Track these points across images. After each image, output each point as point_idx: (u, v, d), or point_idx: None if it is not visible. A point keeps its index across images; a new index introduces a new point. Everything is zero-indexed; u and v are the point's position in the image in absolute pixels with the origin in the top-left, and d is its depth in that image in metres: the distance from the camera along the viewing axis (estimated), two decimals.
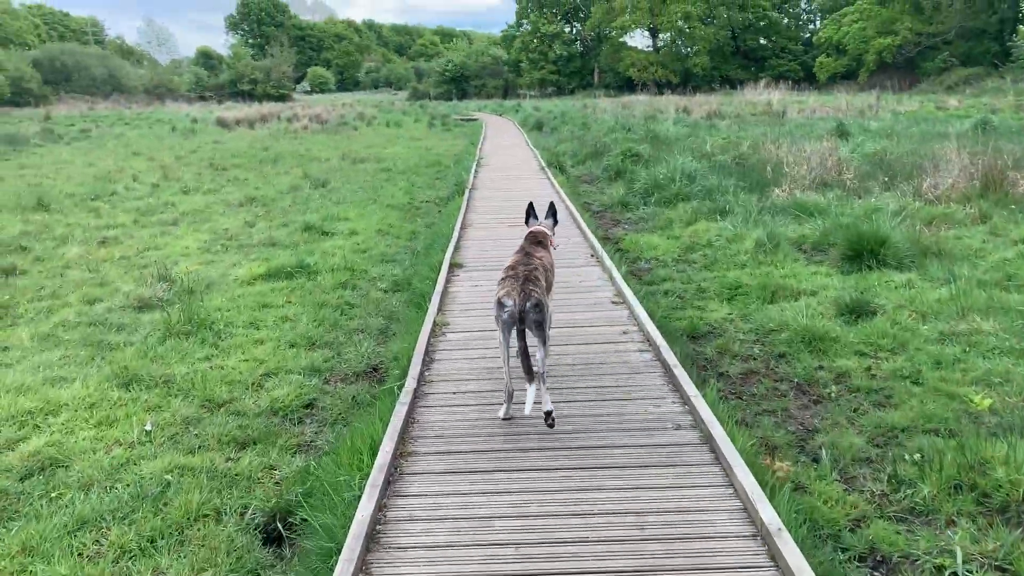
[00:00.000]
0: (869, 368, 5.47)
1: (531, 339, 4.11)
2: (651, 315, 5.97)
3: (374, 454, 3.72)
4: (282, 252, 9.24)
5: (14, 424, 4.64)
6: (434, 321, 5.83)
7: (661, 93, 53.54)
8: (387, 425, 3.98)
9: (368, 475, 3.48)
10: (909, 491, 3.86)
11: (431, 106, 55.21)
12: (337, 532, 3.17)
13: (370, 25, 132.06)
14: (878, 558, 3.39)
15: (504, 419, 4.21)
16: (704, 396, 4.25)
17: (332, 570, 2.87)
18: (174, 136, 30.51)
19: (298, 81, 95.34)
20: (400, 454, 3.78)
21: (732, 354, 5.90)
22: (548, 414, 3.99)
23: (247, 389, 5.23)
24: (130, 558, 3.32)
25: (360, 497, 3.28)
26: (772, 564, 2.87)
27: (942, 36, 53.14)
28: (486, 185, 14.25)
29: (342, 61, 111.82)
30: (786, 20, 72.43)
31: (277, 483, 4.02)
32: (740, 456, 3.54)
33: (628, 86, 68.27)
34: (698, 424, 3.99)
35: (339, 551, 2.94)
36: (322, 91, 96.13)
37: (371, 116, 39.80)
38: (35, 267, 8.82)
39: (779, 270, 7.91)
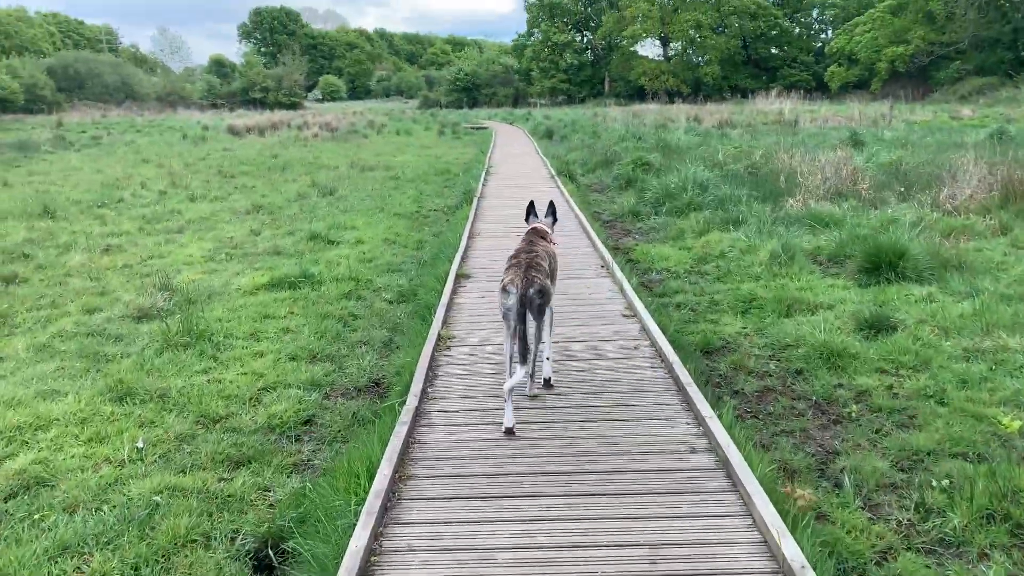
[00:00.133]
0: (891, 386, 5.24)
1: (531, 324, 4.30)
2: (663, 329, 5.76)
3: (371, 477, 3.53)
4: (286, 261, 9.09)
5: (2, 440, 4.49)
6: (438, 334, 5.64)
7: (672, 102, 53.30)
8: (386, 446, 3.79)
9: (365, 500, 3.29)
10: (938, 521, 3.64)
11: (442, 114, 55.24)
12: (329, 564, 2.99)
13: (382, 34, 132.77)
14: None
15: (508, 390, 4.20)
16: (720, 417, 4.04)
17: None
18: (184, 143, 30.57)
19: (310, 89, 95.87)
20: (399, 478, 3.58)
21: (747, 370, 5.68)
22: (547, 380, 4.71)
23: (244, 404, 5.06)
24: None
25: (355, 525, 3.09)
26: None
27: (955, 46, 52.73)
28: (495, 194, 14.09)
29: (354, 69, 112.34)
30: (798, 30, 72.15)
31: (271, 506, 3.84)
32: (759, 484, 3.33)
33: (639, 95, 68.14)
34: (714, 448, 3.78)
35: None
36: (333, 99, 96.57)
37: (381, 124, 39.81)
38: (36, 275, 8.71)
39: (794, 283, 7.69)
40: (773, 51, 71.61)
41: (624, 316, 6.21)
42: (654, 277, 8.45)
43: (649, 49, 77.29)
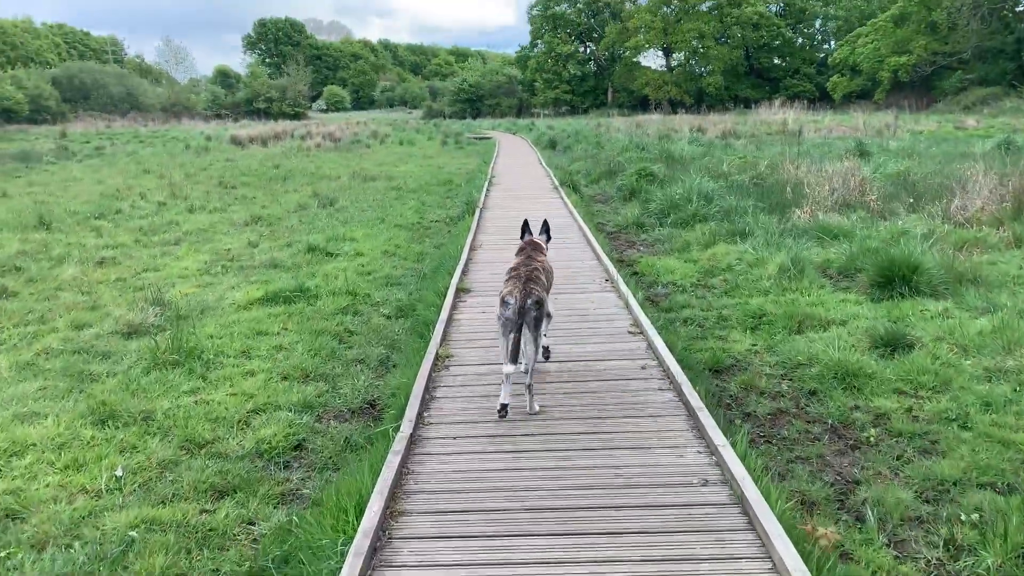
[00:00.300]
0: (910, 409, 4.99)
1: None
2: (671, 348, 5.52)
3: (361, 512, 3.30)
4: (283, 274, 8.88)
5: None
6: (436, 353, 5.41)
7: (675, 112, 53.23)
8: (377, 478, 3.56)
9: (353, 539, 3.05)
10: (970, 560, 3.39)
11: (445, 124, 55.21)
12: None
13: (386, 45, 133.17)
14: None
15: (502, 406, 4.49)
16: (734, 446, 3.80)
17: None
18: (187, 154, 30.48)
19: (314, 100, 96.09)
20: (390, 513, 3.34)
21: (759, 391, 5.43)
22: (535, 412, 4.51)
23: (232, 428, 4.82)
24: None
25: (341, 569, 2.85)
26: None
27: (957, 56, 52.58)
28: (497, 204, 13.89)
29: (358, 80, 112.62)
30: (800, 40, 72.12)
31: (255, 541, 3.60)
32: (778, 522, 3.09)
33: (641, 105, 68.09)
34: (728, 480, 3.53)
35: None
36: (337, 109, 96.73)
37: (384, 134, 39.72)
38: (27, 289, 8.51)
39: (805, 297, 7.45)
40: (776, 61, 71.55)
41: (630, 333, 5.97)
42: (660, 291, 8.22)
43: (652, 60, 77.39)
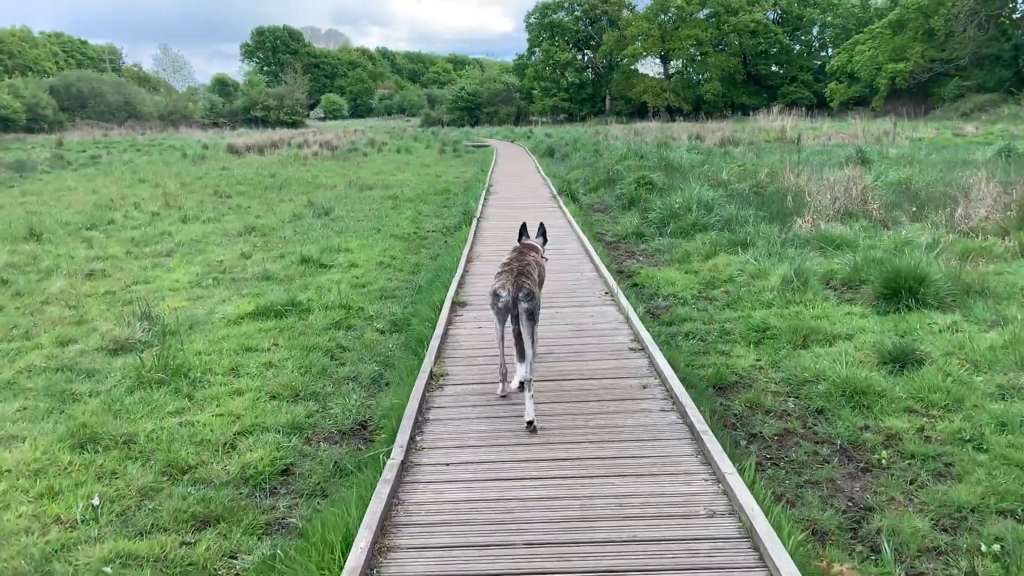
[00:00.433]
0: (922, 429, 4.81)
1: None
2: (673, 365, 5.34)
3: (348, 546, 3.11)
4: (275, 287, 8.69)
5: None
6: (430, 372, 5.22)
7: (673, 120, 53.22)
8: (365, 509, 3.36)
9: None
10: None
11: (443, 132, 55.15)
12: None
13: (384, 53, 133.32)
14: None
15: (501, 396, 4.85)
16: (741, 473, 3.61)
17: None
18: (183, 162, 30.32)
19: (312, 108, 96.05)
20: (378, 550, 3.15)
21: (764, 409, 5.25)
22: (530, 423, 4.37)
23: (217, 451, 4.63)
24: None
25: None
26: None
27: (955, 63, 52.64)
28: (495, 214, 13.72)
29: (356, 88, 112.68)
30: (798, 47, 72.24)
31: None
32: (790, 558, 2.90)
33: (639, 113, 68.11)
34: (736, 512, 3.34)
35: None
36: (335, 117, 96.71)
37: (382, 142, 39.61)
38: (13, 303, 8.31)
39: (809, 310, 7.27)
40: (773, 69, 71.65)
41: (631, 349, 5.79)
42: (660, 303, 8.04)
43: (649, 67, 77.50)
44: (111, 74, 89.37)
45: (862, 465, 4.46)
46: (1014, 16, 52.36)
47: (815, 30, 73.13)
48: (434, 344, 5.77)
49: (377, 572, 3.02)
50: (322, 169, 25.57)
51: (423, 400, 4.74)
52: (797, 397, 5.46)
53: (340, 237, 12.06)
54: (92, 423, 4.85)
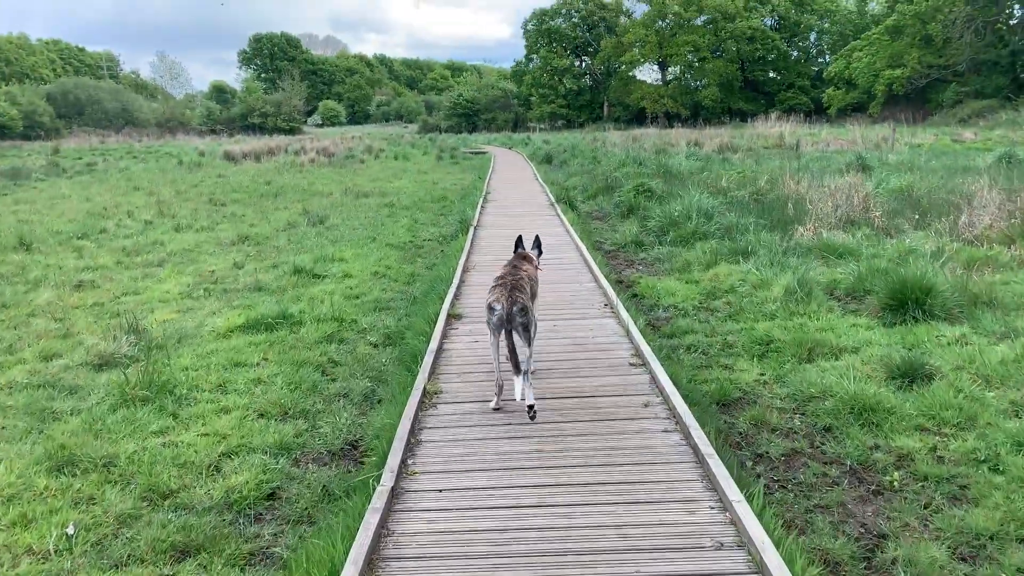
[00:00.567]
0: (934, 448, 4.63)
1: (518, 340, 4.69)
2: (676, 381, 5.16)
3: None
4: (266, 299, 8.49)
5: None
6: (424, 389, 5.03)
7: (671, 126, 53.14)
8: (353, 541, 3.17)
9: None
10: None
11: (441, 139, 55.04)
12: None
13: (382, 59, 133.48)
14: None
15: (494, 409, 4.81)
16: (750, 500, 3.42)
17: None
18: (179, 170, 30.16)
19: (309, 114, 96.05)
20: None
21: (770, 427, 5.07)
22: (531, 407, 4.62)
23: (201, 474, 4.43)
24: None
25: None
26: None
27: (952, 69, 52.67)
28: (492, 223, 13.55)
29: (353, 95, 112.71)
30: (795, 54, 72.33)
31: None
32: None
33: (637, 119, 68.09)
34: (745, 544, 3.16)
35: None
36: (333, 124, 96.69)
37: (379, 149, 39.48)
38: None
39: (813, 322, 7.09)
40: (771, 75, 71.72)
41: (631, 364, 5.60)
42: (661, 315, 7.86)
43: (647, 74, 77.57)
44: (108, 81, 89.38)
45: (873, 487, 4.28)
46: (1011, 23, 52.42)
47: (812, 36, 73.24)
48: (428, 359, 5.58)
49: None
50: (318, 176, 25.42)
51: (415, 420, 4.55)
52: (803, 414, 5.28)
53: (335, 246, 11.89)
54: (71, 444, 4.66)
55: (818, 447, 4.79)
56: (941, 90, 53.33)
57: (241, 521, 4.01)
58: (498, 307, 4.71)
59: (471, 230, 12.37)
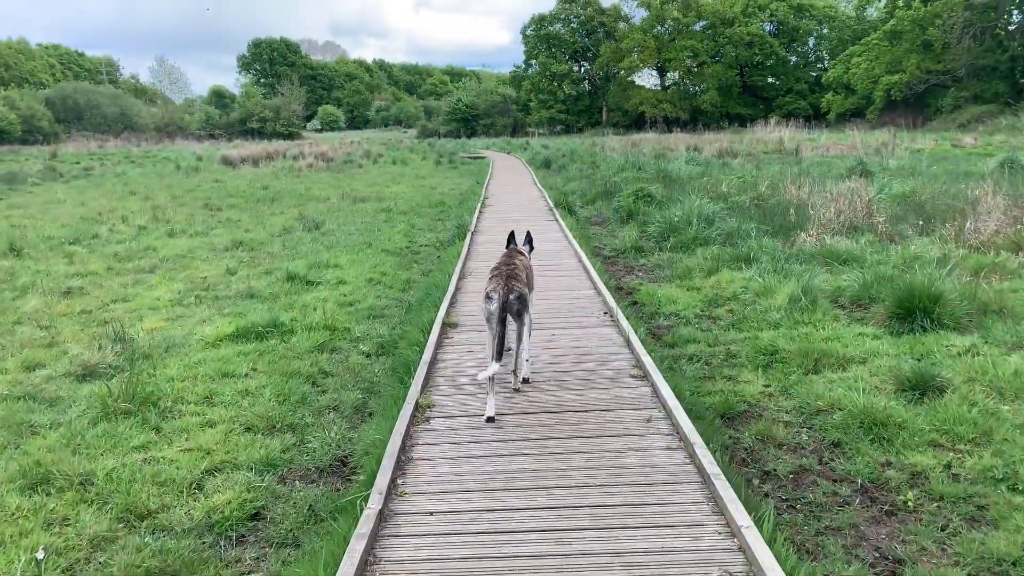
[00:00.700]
0: (949, 465, 4.43)
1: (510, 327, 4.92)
2: (679, 394, 4.96)
3: None
4: (258, 306, 8.30)
5: None
6: (416, 403, 4.83)
7: (670, 131, 53.06)
8: (337, 569, 2.97)
9: None
10: None
11: (439, 144, 54.94)
12: None
13: (381, 64, 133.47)
14: None
15: (483, 379, 4.77)
16: (759, 524, 3.22)
17: None
18: (176, 175, 30.01)
19: (308, 119, 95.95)
20: None
21: (776, 442, 4.87)
22: (525, 379, 5.27)
23: (182, 493, 4.23)
24: None
25: None
26: None
27: (951, 74, 52.62)
28: (490, 228, 13.36)
29: (353, 100, 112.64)
30: (794, 59, 72.32)
31: None
32: None
33: (636, 124, 68.04)
34: (755, 574, 2.95)
35: None
36: (332, 129, 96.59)
37: (378, 154, 39.33)
38: None
39: (819, 331, 6.90)
40: (770, 80, 71.70)
41: (632, 376, 5.41)
42: (662, 323, 7.67)
43: (646, 79, 77.53)
44: (108, 86, 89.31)
45: (887, 508, 4.08)
46: (1010, 28, 52.41)
47: (811, 42, 73.24)
48: (421, 371, 5.38)
49: None
50: (316, 181, 25.25)
51: (407, 436, 4.35)
52: (811, 428, 5.08)
53: (330, 252, 11.69)
54: (47, 460, 4.46)
55: (827, 464, 4.59)
56: (940, 95, 53.27)
57: (222, 544, 3.80)
58: (495, 296, 4.84)
59: (468, 235, 12.19)
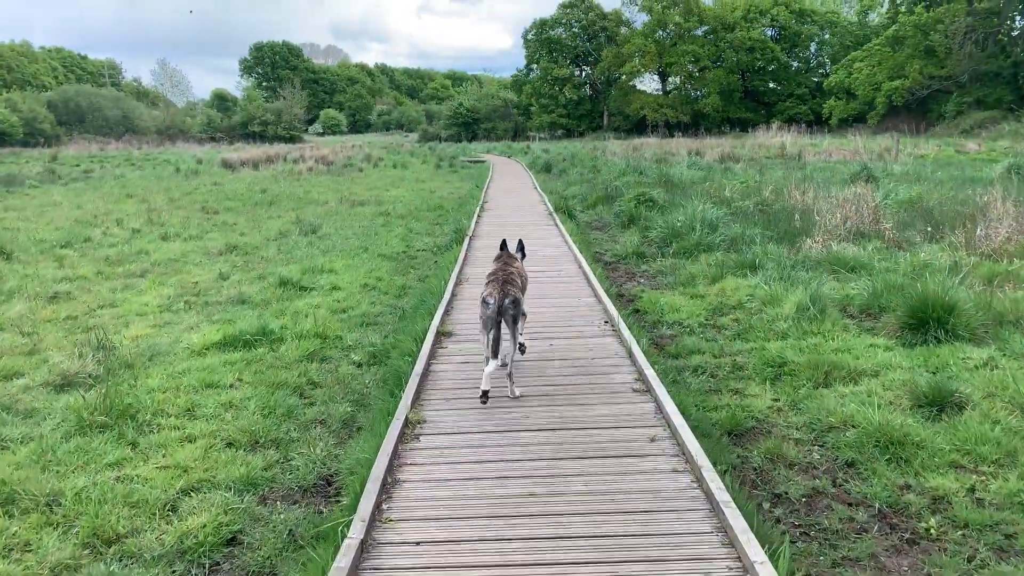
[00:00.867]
0: (973, 489, 4.16)
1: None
2: (684, 412, 4.69)
3: None
4: (248, 312, 8.04)
5: None
6: (406, 419, 4.56)
7: (671, 135, 52.81)
8: None
9: None
10: None
11: (440, 148, 54.74)
12: None
13: (383, 69, 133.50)
14: None
15: (483, 393, 4.98)
16: (774, 560, 2.95)
17: None
18: (175, 177, 29.79)
19: (310, 123, 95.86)
20: None
21: (787, 462, 4.60)
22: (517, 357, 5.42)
23: (154, 515, 3.96)
24: None
25: None
26: None
27: (954, 80, 52.39)
28: (489, 233, 13.11)
29: (354, 104, 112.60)
30: (796, 64, 72.12)
31: None
32: None
33: (637, 129, 67.82)
34: None
35: None
36: (334, 133, 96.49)
37: (378, 158, 39.11)
38: None
39: (829, 342, 6.63)
40: (771, 85, 71.48)
41: (635, 391, 5.14)
42: (665, 332, 7.40)
43: (648, 83, 77.34)
44: (110, 89, 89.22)
45: (908, 535, 3.81)
46: (1012, 34, 52.20)
47: (813, 47, 73.06)
48: (412, 383, 5.12)
49: None
50: (315, 184, 25.02)
51: (394, 456, 4.08)
52: (823, 446, 4.81)
53: (325, 257, 11.44)
54: (14, 479, 4.20)
55: (842, 486, 4.32)
56: (943, 101, 53.03)
57: (194, 572, 3.54)
58: (491, 300, 5.04)
59: (466, 240, 11.93)
